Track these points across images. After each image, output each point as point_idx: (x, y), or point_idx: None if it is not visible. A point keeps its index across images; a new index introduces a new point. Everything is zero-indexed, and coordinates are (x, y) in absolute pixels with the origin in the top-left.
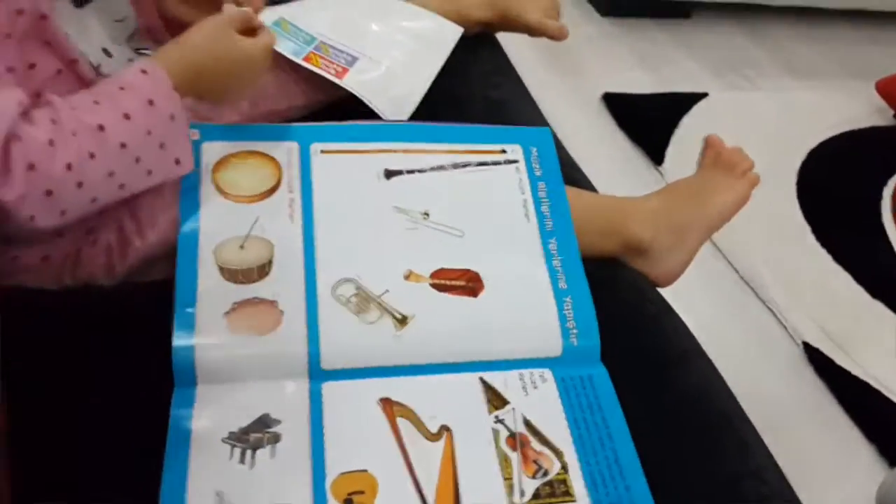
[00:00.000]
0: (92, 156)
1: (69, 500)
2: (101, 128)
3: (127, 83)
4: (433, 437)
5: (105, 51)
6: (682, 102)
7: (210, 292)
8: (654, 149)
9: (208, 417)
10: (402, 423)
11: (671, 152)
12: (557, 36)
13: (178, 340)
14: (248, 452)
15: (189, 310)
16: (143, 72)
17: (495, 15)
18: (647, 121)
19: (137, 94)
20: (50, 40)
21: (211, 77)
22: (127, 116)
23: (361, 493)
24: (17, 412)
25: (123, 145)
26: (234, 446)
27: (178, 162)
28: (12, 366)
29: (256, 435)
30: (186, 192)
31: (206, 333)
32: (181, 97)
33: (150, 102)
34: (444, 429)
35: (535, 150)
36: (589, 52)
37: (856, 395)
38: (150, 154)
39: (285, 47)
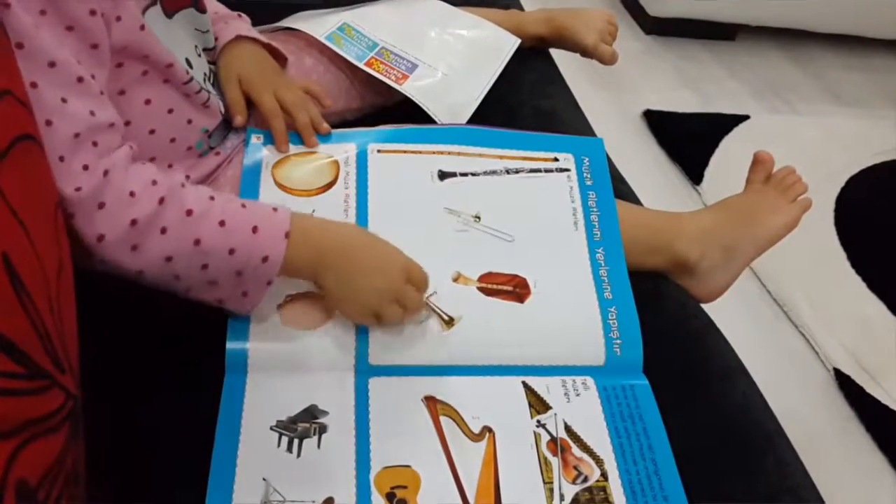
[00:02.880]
0: (163, 231)
1: (122, 482)
2: (189, 213)
3: (251, 203)
4: (476, 438)
5: (188, 61)
6: (723, 123)
7: None
8: (693, 168)
9: (258, 405)
10: (445, 421)
11: (710, 172)
12: (609, 61)
13: (233, 330)
14: (296, 441)
15: None
16: (274, 209)
17: (551, 32)
18: (687, 140)
19: (250, 215)
20: (147, 52)
21: (338, 256)
22: (222, 224)
23: (404, 487)
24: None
25: (197, 242)
26: (281, 434)
27: (245, 294)
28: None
29: (304, 425)
30: (246, 186)
31: (260, 324)
32: (294, 263)
33: (255, 230)
34: (487, 430)
35: (587, 160)
36: (632, 68)
37: (884, 425)
38: (221, 270)
39: (348, 52)
